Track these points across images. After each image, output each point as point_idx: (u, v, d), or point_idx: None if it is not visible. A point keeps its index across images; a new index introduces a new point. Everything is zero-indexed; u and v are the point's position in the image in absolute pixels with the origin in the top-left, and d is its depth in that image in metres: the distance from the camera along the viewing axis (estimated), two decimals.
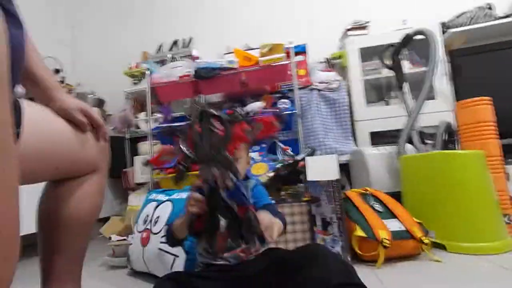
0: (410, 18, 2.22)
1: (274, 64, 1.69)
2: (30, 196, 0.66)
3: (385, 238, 1.02)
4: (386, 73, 2.10)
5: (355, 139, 2.09)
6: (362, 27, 2.27)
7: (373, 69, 2.24)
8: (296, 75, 2.00)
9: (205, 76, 1.72)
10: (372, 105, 2.18)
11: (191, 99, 0.56)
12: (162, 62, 2.74)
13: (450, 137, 1.60)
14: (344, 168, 1.93)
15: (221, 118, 0.58)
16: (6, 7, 0.43)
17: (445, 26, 2.10)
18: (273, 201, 0.93)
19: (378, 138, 2.13)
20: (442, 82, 2.01)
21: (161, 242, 1.01)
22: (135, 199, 1.79)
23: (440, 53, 1.97)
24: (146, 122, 2.09)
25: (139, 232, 1.14)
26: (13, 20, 0.46)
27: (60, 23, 2.92)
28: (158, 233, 1.05)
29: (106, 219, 1.84)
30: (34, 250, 0.70)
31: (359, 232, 1.07)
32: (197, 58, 2.20)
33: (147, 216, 1.16)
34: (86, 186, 0.71)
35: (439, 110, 1.95)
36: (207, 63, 1.77)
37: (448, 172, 1.20)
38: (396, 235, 1.06)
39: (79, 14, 3.05)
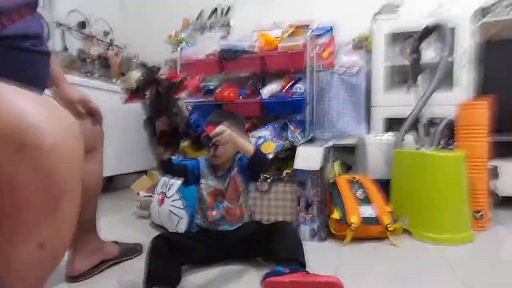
0: (447, 1, 2.10)
1: (291, 52, 1.79)
2: None
3: (353, 223, 1.20)
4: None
5: (369, 125, 2.16)
6: (391, 10, 2.21)
7: (398, 55, 2.21)
8: (315, 59, 2.07)
9: (228, 58, 1.88)
10: (392, 92, 2.19)
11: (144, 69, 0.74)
12: (201, 30, 2.91)
13: (452, 133, 1.64)
14: (354, 149, 2.06)
15: (161, 82, 0.79)
16: (43, 50, 0.57)
17: (482, 13, 1.98)
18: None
19: (396, 124, 2.19)
20: (464, 73, 1.97)
21: (171, 205, 1.30)
22: None
23: (466, 43, 1.92)
24: None
25: (158, 193, 1.44)
26: (46, 56, 0.60)
27: None
28: (170, 197, 1.33)
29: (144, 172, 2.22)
30: None
31: (335, 215, 1.27)
32: (228, 36, 2.29)
33: (165, 181, 1.44)
34: (89, 164, 0.92)
35: (457, 102, 1.93)
36: (230, 45, 1.92)
37: (426, 169, 1.33)
38: (365, 220, 1.24)
39: None
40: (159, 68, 0.80)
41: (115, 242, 1.11)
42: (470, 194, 1.32)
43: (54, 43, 2.45)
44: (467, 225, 1.29)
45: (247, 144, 0.97)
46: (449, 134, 1.62)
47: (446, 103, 1.87)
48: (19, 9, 0.48)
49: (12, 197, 0.38)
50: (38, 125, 0.39)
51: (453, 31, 1.90)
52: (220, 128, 0.91)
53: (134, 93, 0.80)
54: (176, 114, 0.81)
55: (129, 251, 1.12)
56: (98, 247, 1.01)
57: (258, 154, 0.98)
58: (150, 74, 0.78)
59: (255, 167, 1.03)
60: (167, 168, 0.97)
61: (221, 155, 1.02)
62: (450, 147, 1.58)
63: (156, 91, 0.79)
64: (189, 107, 0.86)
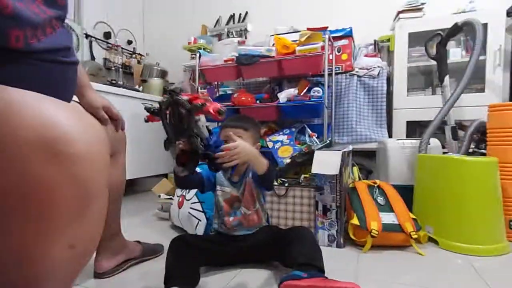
0: None
1: (309, 55, 1.78)
2: None
3: (374, 229, 1.16)
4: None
5: (391, 128, 2.09)
6: (416, 9, 2.14)
7: (422, 55, 2.14)
8: (334, 61, 2.06)
9: (245, 63, 1.90)
10: (415, 94, 2.12)
11: (166, 88, 0.75)
12: (219, 37, 2.97)
13: (483, 136, 1.55)
14: (374, 154, 2.00)
15: (182, 104, 0.78)
16: (72, 60, 0.57)
17: None
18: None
19: (419, 128, 2.11)
20: (497, 72, 1.86)
21: (190, 208, 1.31)
22: None
23: (501, 40, 1.82)
24: None
25: (178, 196, 1.46)
26: (74, 65, 0.61)
27: None
28: (189, 199, 1.35)
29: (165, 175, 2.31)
30: None
31: (355, 221, 1.23)
32: (245, 41, 2.33)
33: None
34: (112, 168, 0.94)
35: (489, 103, 1.83)
36: (248, 50, 1.93)
37: (455, 175, 1.24)
38: (387, 227, 1.19)
39: None
40: (181, 90, 0.80)
41: (138, 242, 1.15)
42: (504, 202, 1.24)
43: (83, 53, 2.58)
44: (501, 236, 1.20)
45: (260, 162, 0.94)
46: (479, 137, 1.53)
47: (477, 105, 1.79)
48: (51, 22, 0.49)
49: (47, 201, 0.40)
50: (71, 133, 0.41)
51: (486, 27, 1.81)
52: (232, 151, 0.88)
53: (155, 114, 0.81)
54: (196, 135, 0.81)
55: (150, 251, 1.15)
56: (122, 246, 1.06)
57: (267, 173, 0.96)
58: (172, 96, 0.78)
59: (263, 182, 1.02)
60: (183, 184, 1.01)
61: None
62: (481, 151, 1.50)
63: (177, 113, 0.79)
64: (208, 127, 0.86)
